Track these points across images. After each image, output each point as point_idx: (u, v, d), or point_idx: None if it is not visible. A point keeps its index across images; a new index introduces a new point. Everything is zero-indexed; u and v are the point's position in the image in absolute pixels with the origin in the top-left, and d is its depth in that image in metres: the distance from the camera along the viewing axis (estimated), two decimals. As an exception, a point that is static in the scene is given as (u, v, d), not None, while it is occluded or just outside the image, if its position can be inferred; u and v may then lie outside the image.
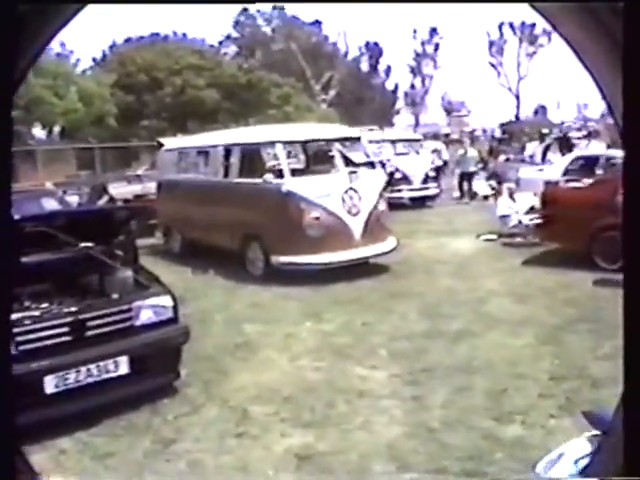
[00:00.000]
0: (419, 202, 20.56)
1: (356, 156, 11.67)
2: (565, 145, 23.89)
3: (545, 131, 32.72)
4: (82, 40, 71.09)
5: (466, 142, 26.19)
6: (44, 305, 5.69)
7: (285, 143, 11.40)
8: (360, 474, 4.61)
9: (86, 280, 6.43)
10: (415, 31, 71.44)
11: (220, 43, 59.18)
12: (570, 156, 17.94)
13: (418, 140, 24.35)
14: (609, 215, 8.79)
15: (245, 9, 58.15)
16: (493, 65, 69.79)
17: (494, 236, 13.66)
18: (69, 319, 5.45)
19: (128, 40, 50.47)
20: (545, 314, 8.12)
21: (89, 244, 6.49)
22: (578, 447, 3.31)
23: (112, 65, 43.21)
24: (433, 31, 70.88)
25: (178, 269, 11.86)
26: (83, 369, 5.40)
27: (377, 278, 10.54)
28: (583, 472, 2.98)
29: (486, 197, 20.08)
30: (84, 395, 5.41)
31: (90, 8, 2.24)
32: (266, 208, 10.62)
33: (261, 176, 10.73)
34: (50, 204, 9.75)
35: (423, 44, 71.45)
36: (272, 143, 11.29)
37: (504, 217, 13.75)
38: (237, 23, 60.81)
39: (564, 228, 10.66)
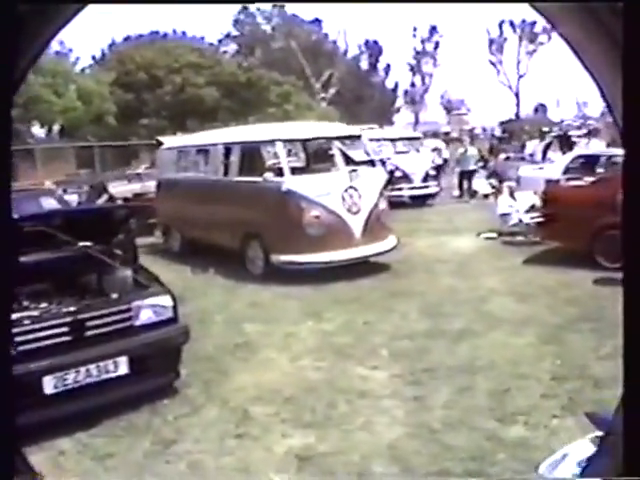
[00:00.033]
0: (419, 200, 20.55)
1: (356, 154, 11.60)
2: (565, 143, 23.84)
3: (545, 129, 32.69)
4: (81, 38, 71.24)
5: (466, 140, 26.16)
6: (43, 305, 5.66)
7: (285, 141, 11.36)
8: (361, 475, 4.57)
9: (85, 280, 6.40)
10: (415, 29, 71.40)
11: (220, 41, 59.24)
12: (571, 154, 17.89)
13: (418, 138, 24.32)
14: (610, 214, 8.73)
15: (245, 7, 58.13)
16: (493, 63, 69.77)
17: (494, 235, 13.63)
18: (68, 319, 5.41)
19: (127, 38, 50.55)
20: (547, 313, 8.08)
21: (88, 243, 6.45)
22: (581, 448, 3.28)
23: (111, 63, 43.23)
24: (433, 29, 70.85)
25: (177, 268, 11.81)
26: (82, 369, 5.36)
27: (377, 277, 10.51)
28: (583, 472, 2.97)
29: (486, 196, 20.04)
30: (83, 396, 5.37)
31: (90, 7, 2.22)
32: (266, 207, 10.58)
33: (261, 175, 10.70)
34: (49, 203, 9.70)
35: (423, 42, 71.38)
36: (272, 141, 11.24)
37: (504, 216, 13.70)
38: (237, 21, 60.79)
39: (565, 227, 10.62)
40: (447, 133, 45.98)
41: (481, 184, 21.30)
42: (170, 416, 5.61)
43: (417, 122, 67.45)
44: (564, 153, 20.36)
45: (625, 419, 1.78)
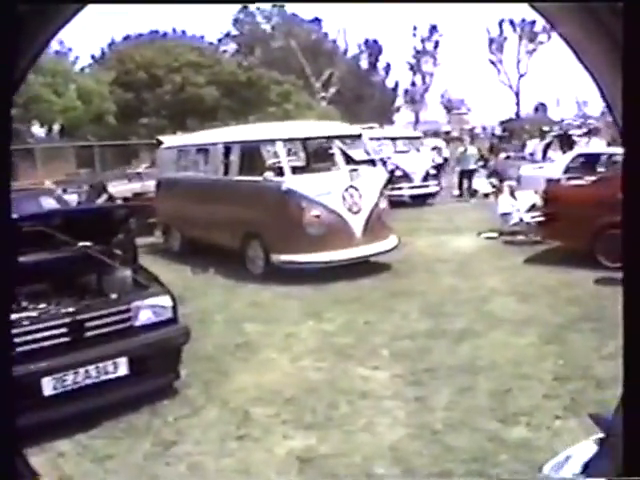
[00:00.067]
0: (419, 200, 20.53)
1: (357, 154, 11.58)
2: (566, 143, 23.84)
3: (546, 129, 32.68)
4: (81, 38, 71.20)
5: (466, 140, 26.14)
6: (42, 305, 5.63)
7: (285, 141, 11.33)
8: (363, 477, 4.53)
9: (84, 280, 6.36)
10: (415, 28, 71.33)
11: (219, 41, 59.19)
12: (571, 154, 17.87)
13: (418, 138, 24.30)
14: (611, 213, 8.69)
15: (245, 6, 58.08)
16: (493, 62, 69.68)
17: (495, 234, 13.60)
18: (67, 320, 5.38)
19: (127, 38, 50.51)
20: (548, 313, 8.05)
21: (88, 243, 6.42)
22: (585, 450, 3.24)
23: (111, 63, 43.21)
24: (433, 28, 70.77)
25: (177, 268, 11.79)
26: (82, 370, 5.32)
27: (378, 277, 10.47)
28: (583, 473, 2.96)
29: (487, 195, 20.01)
30: (83, 397, 5.34)
31: (90, 7, 2.22)
32: (266, 206, 10.55)
33: (261, 174, 10.67)
34: (48, 203, 9.67)
35: (423, 41, 71.31)
36: (272, 141, 11.22)
37: (505, 215, 13.68)
38: (236, 21, 60.74)
39: (566, 226, 10.59)
40: (447, 132, 45.98)
41: (481, 183, 21.28)
42: (170, 417, 5.57)
43: (417, 121, 67.40)
44: (564, 152, 20.36)
45: (625, 419, 1.77)
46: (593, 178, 11.97)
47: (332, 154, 11.62)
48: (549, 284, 9.44)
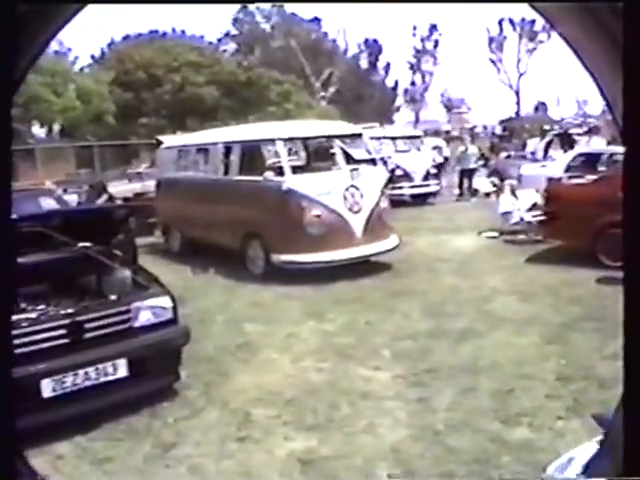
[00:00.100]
0: (420, 199, 20.51)
1: (357, 153, 11.54)
2: (566, 142, 23.77)
3: (546, 127, 32.63)
4: (80, 38, 71.07)
5: (466, 139, 26.11)
6: (41, 307, 5.59)
7: (286, 140, 11.28)
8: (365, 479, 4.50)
9: (84, 281, 6.34)
10: (415, 28, 71.30)
11: (219, 40, 59.16)
12: (572, 153, 17.83)
13: (419, 137, 24.27)
14: (613, 212, 8.64)
15: (244, 6, 58.03)
16: (493, 61, 69.66)
17: (496, 233, 13.58)
18: (66, 321, 5.34)
19: (126, 37, 50.47)
20: (550, 313, 8.02)
21: (87, 244, 6.39)
22: (588, 451, 3.21)
23: (110, 62, 43.21)
24: (433, 27, 70.74)
25: (178, 268, 11.77)
26: (81, 372, 5.29)
27: (379, 276, 10.44)
28: (583, 472, 2.94)
29: (487, 194, 19.97)
30: (82, 399, 5.30)
31: (89, 6, 2.21)
32: (266, 206, 10.51)
33: (261, 174, 10.63)
34: (48, 203, 9.64)
35: (423, 40, 71.27)
36: (272, 140, 11.18)
37: (506, 214, 13.65)
38: (236, 20, 60.70)
39: (567, 225, 10.56)
40: (448, 132, 45.91)
41: (482, 182, 21.24)
42: (170, 419, 5.54)
43: (417, 121, 67.34)
44: (565, 151, 20.31)
45: (625, 419, 1.77)
46: (594, 177, 11.93)
47: (333, 153, 11.57)
48: (550, 283, 9.41)
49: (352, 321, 8.12)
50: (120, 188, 18.23)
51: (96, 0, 2.69)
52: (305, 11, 62.83)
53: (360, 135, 12.20)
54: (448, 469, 4.51)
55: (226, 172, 11.72)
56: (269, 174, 10.55)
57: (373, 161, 11.56)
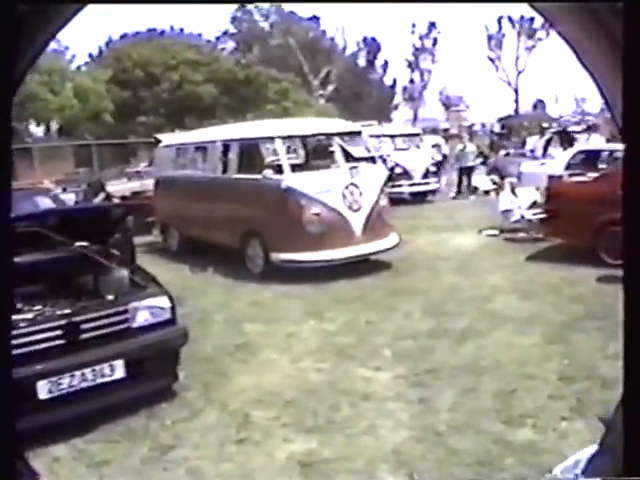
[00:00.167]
0: (419, 197, 20.46)
1: (357, 151, 11.48)
2: (566, 139, 23.72)
3: (545, 125, 32.58)
4: (78, 36, 70.97)
5: (465, 137, 26.06)
6: (37, 307, 5.51)
7: (284, 138, 11.22)
8: (366, 482, 4.44)
9: (81, 281, 6.27)
10: (413, 25, 71.24)
11: (217, 39, 59.03)
12: (572, 150, 17.79)
13: (418, 135, 24.21)
14: (614, 210, 8.58)
15: (242, 5, 57.92)
16: (492, 59, 69.51)
17: (496, 231, 13.53)
18: (63, 321, 5.27)
19: (124, 36, 50.36)
20: (552, 311, 7.96)
21: (84, 243, 6.31)
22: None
23: (108, 61, 43.13)
24: (431, 25, 70.61)
25: (176, 267, 11.72)
26: (77, 373, 5.22)
27: (379, 275, 10.38)
28: (583, 472, 2.92)
29: (487, 192, 19.95)
30: (79, 400, 5.23)
31: (88, 5, 2.25)
32: (265, 204, 10.45)
33: (260, 172, 10.56)
34: (44, 202, 9.55)
35: (421, 38, 71.13)
36: (271, 138, 11.12)
37: (506, 212, 13.59)
38: (234, 19, 60.60)
39: (568, 223, 10.51)
40: (446, 129, 45.79)
41: (482, 180, 21.21)
42: (168, 420, 5.47)
43: (416, 119, 67.25)
44: (564, 149, 20.27)
45: (625, 419, 1.79)
46: (595, 175, 11.87)
47: (332, 151, 11.51)
48: (552, 282, 9.35)
49: (352, 320, 8.06)
50: (118, 187, 18.20)
51: (96, 0, 2.74)
52: (303, 9, 62.71)
53: (359, 133, 12.14)
54: (451, 472, 4.44)
55: (225, 170, 11.65)
56: (268, 172, 10.48)
57: (372, 159, 11.50)
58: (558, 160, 17.05)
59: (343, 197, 10.33)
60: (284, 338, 7.56)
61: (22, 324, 5.11)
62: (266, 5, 58.79)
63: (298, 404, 5.69)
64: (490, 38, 69.09)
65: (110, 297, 5.77)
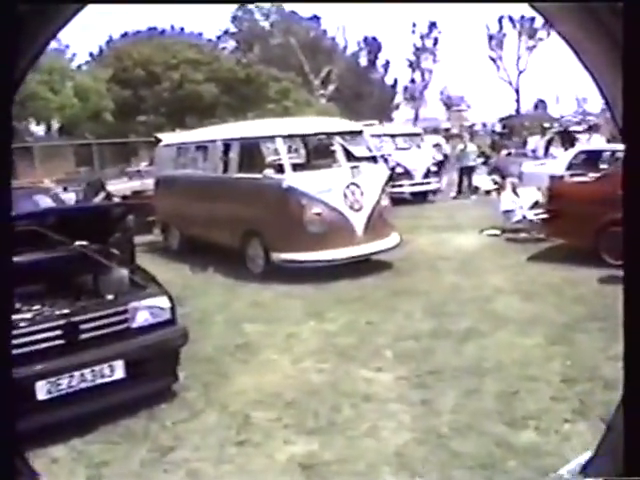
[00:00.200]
0: (420, 197, 20.43)
1: (358, 150, 11.43)
2: (567, 139, 23.71)
3: (546, 125, 32.57)
4: (78, 35, 70.99)
5: (466, 137, 26.02)
6: (35, 307, 5.47)
7: (285, 137, 11.17)
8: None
9: (80, 280, 6.23)
10: (414, 25, 71.22)
11: (218, 38, 59.01)
12: (573, 150, 17.77)
13: (419, 134, 24.17)
14: (615, 210, 8.53)
15: (243, 4, 57.91)
16: (493, 59, 69.52)
17: (497, 231, 13.49)
18: (62, 321, 5.23)
19: (125, 35, 50.34)
20: (554, 312, 7.91)
21: (83, 243, 6.27)
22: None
23: (108, 60, 43.09)
24: (432, 25, 70.61)
25: (176, 267, 11.69)
26: (77, 374, 5.17)
27: (380, 275, 10.33)
28: (584, 471, 2.91)
29: (488, 192, 19.91)
30: (78, 401, 5.19)
31: (88, 5, 2.26)
32: (266, 204, 10.40)
33: (261, 171, 10.53)
34: (44, 202, 9.52)
35: (422, 38, 71.14)
36: (272, 137, 11.08)
37: (508, 212, 13.56)
38: (235, 18, 60.58)
39: (570, 223, 10.47)
40: (447, 129, 45.77)
41: (483, 180, 21.17)
42: (168, 421, 5.42)
43: (417, 118, 67.24)
44: (566, 149, 20.25)
45: (625, 419, 1.79)
46: (597, 175, 11.84)
47: (333, 151, 11.47)
48: (553, 282, 9.31)
49: (353, 321, 8.01)
50: (119, 186, 18.19)
51: (96, 0, 2.76)
52: (304, 9, 62.70)
53: (361, 132, 12.09)
54: (453, 474, 4.41)
55: (225, 170, 11.60)
56: (269, 172, 10.45)
57: (374, 158, 11.46)
58: (559, 160, 17.04)
59: (344, 197, 10.29)
60: (285, 338, 7.51)
61: (21, 324, 5.07)
62: (267, 4, 58.79)
63: (299, 405, 5.65)
64: (491, 38, 69.11)
65: (110, 297, 5.73)
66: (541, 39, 66.83)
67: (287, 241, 10.16)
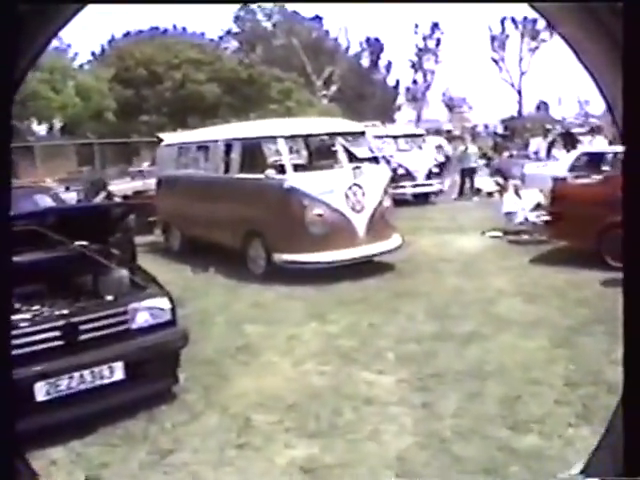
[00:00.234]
0: (422, 198, 20.39)
1: (360, 151, 11.39)
2: (569, 141, 23.69)
3: (549, 127, 32.59)
4: (80, 35, 71.04)
5: (467, 138, 26.00)
6: (35, 307, 5.43)
7: (287, 138, 11.13)
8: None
9: (80, 281, 6.19)
10: (417, 26, 71.23)
11: (220, 38, 59.06)
12: (575, 152, 17.76)
13: (421, 135, 24.13)
14: (618, 212, 8.47)
15: (245, 4, 57.95)
16: (495, 60, 69.51)
17: (500, 233, 13.43)
18: (61, 322, 5.18)
19: (127, 34, 50.40)
20: (557, 315, 7.86)
21: (84, 243, 6.22)
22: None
23: (111, 59, 43.07)
24: (434, 26, 70.64)
25: (178, 267, 11.66)
26: (76, 375, 5.13)
27: (382, 277, 10.28)
28: (583, 471, 2.88)
29: (490, 194, 19.88)
30: (77, 403, 5.14)
31: (89, 5, 2.26)
32: (268, 204, 10.36)
33: (263, 172, 10.48)
34: (44, 201, 9.47)
35: (425, 39, 71.17)
36: (274, 138, 11.04)
37: (510, 214, 13.53)
38: (237, 18, 60.61)
39: (572, 225, 10.43)
40: (449, 131, 45.80)
41: (485, 182, 21.13)
42: (168, 424, 5.38)
43: (419, 120, 67.22)
44: (568, 151, 20.24)
45: (625, 419, 1.78)
46: (600, 177, 11.80)
47: (335, 152, 11.42)
48: (556, 285, 9.26)
49: (355, 323, 7.96)
50: (121, 186, 18.17)
51: (96, 0, 2.77)
52: (307, 9, 62.73)
53: (363, 133, 12.05)
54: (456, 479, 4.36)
55: (227, 170, 11.56)
56: (270, 172, 10.40)
57: (376, 159, 11.41)
58: (562, 162, 17.00)
59: (346, 198, 10.24)
60: (286, 340, 7.46)
61: (20, 324, 5.03)
62: (269, 5, 58.86)
63: (300, 408, 5.59)
64: (493, 39, 69.10)
65: (109, 298, 5.69)
66: (544, 40, 66.80)
67: (288, 242, 10.11)
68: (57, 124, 35.59)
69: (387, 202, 10.94)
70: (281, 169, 10.44)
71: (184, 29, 53.18)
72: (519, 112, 65.74)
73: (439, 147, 25.98)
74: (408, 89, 72.92)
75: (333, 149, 11.67)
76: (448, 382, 6.01)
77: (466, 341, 7.09)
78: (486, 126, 55.15)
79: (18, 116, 28.72)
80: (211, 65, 43.17)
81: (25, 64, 1.98)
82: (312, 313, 8.39)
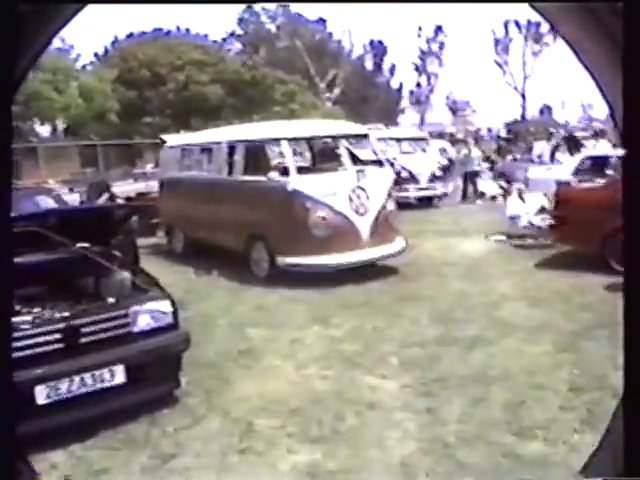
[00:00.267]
0: (425, 202, 20.33)
1: (364, 154, 11.34)
2: (573, 145, 23.65)
3: (552, 130, 32.55)
4: (83, 35, 71.10)
5: (470, 142, 25.95)
6: (36, 310, 5.39)
7: (291, 140, 11.09)
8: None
9: (81, 283, 6.14)
10: (420, 29, 71.44)
11: (224, 40, 59.09)
12: (579, 156, 17.72)
13: (425, 139, 24.06)
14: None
15: (249, 6, 57.99)
16: (499, 64, 69.53)
17: (503, 237, 13.39)
18: (62, 325, 5.14)
19: (130, 35, 50.46)
20: (561, 319, 7.82)
21: (86, 244, 6.18)
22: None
23: (114, 60, 43.08)
24: (438, 29, 70.74)
25: (180, 269, 11.63)
26: (77, 378, 5.09)
27: (386, 280, 10.23)
28: (584, 471, 2.93)
29: (494, 197, 19.83)
30: (78, 406, 5.11)
31: (91, 5, 2.28)
32: (271, 207, 10.32)
33: (266, 174, 10.45)
34: (45, 202, 9.43)
35: (428, 42, 71.24)
36: (277, 140, 11.00)
37: (514, 218, 13.49)
38: (241, 20, 60.66)
39: (577, 229, 10.38)
40: (452, 134, 45.76)
41: (488, 185, 21.08)
42: (170, 428, 5.34)
43: (422, 123, 67.21)
44: (572, 155, 20.20)
45: (625, 419, 1.78)
46: (604, 181, 11.76)
47: (338, 154, 11.38)
48: (561, 289, 9.21)
49: (359, 327, 7.92)
50: (124, 188, 18.15)
51: (96, 0, 2.77)
52: (310, 12, 62.89)
53: (366, 136, 12.01)
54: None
55: (230, 172, 11.52)
56: (274, 174, 10.37)
57: (379, 162, 11.37)
58: (566, 166, 16.97)
59: (350, 200, 10.19)
60: (289, 344, 7.42)
61: (20, 326, 4.99)
62: (273, 7, 58.95)
63: (302, 413, 5.55)
64: (497, 42, 69.12)
65: (111, 300, 5.65)
66: (547, 44, 66.84)
67: (292, 245, 10.07)
68: (60, 125, 35.55)
69: (391, 205, 10.89)
70: (284, 171, 10.39)
71: (187, 30, 53.29)
72: (523, 116, 65.72)
73: (442, 150, 25.92)
74: (412, 92, 73.00)
75: (337, 152, 11.64)
76: (452, 387, 5.97)
77: (470, 345, 7.05)
78: (489, 129, 55.16)
79: (21, 117, 28.72)
80: (214, 67, 43.15)
81: (25, 64, 1.97)
82: (315, 316, 8.34)
